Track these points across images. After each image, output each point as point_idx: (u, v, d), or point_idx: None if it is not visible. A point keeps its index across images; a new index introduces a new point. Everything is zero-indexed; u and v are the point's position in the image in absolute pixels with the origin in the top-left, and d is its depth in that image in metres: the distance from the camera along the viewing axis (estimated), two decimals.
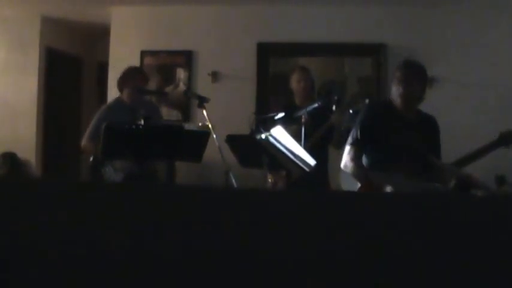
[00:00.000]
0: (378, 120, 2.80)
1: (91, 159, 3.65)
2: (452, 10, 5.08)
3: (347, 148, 2.84)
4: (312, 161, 2.88)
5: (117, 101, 3.82)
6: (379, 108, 2.96)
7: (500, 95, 4.92)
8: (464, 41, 5.06)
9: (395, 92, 2.75)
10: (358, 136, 2.78)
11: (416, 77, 2.75)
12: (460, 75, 5.03)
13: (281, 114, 3.66)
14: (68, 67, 6.48)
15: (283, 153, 2.84)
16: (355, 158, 2.78)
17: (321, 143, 3.57)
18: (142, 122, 3.36)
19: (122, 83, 3.78)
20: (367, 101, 3.61)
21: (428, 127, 2.82)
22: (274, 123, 3.39)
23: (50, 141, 5.96)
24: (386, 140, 2.74)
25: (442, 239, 0.88)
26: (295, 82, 3.95)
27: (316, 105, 3.62)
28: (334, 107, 3.69)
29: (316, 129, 3.64)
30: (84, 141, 3.68)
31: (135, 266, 0.88)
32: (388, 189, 2.67)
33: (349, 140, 2.84)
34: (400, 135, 2.74)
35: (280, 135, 2.84)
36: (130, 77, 3.77)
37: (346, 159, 2.83)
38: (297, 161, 2.87)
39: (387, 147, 2.74)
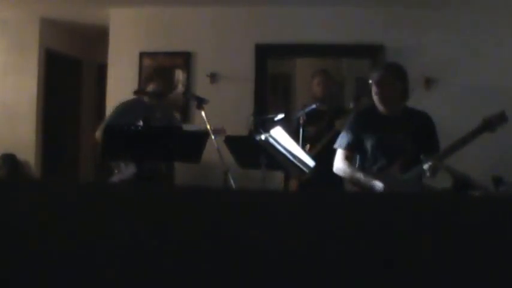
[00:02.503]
0: (361, 125, 2.84)
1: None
2: (450, 11, 5.08)
3: (338, 151, 2.89)
4: (311, 162, 2.89)
5: (137, 99, 3.84)
6: (364, 113, 2.99)
7: (499, 96, 4.92)
8: (462, 42, 5.06)
9: (373, 92, 2.78)
10: (345, 142, 2.85)
11: (390, 76, 2.75)
12: (457, 77, 5.03)
13: (280, 115, 3.68)
14: (67, 68, 6.47)
15: (282, 154, 2.84)
16: (345, 160, 2.84)
17: (329, 149, 3.58)
18: (141, 123, 3.39)
19: (145, 83, 3.85)
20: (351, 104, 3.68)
21: (418, 123, 2.80)
22: (273, 124, 3.40)
23: (49, 142, 5.96)
24: (370, 142, 2.78)
25: (439, 240, 0.88)
26: (315, 85, 4.03)
27: (314, 106, 3.65)
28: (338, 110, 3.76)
29: (319, 132, 3.70)
30: (97, 133, 3.72)
31: (135, 266, 0.88)
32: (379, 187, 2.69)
33: (337, 143, 2.90)
34: (382, 135, 2.76)
35: (280, 136, 2.85)
36: (154, 75, 3.83)
37: (337, 161, 2.88)
38: (296, 162, 2.87)
39: (371, 149, 2.77)
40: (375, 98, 2.75)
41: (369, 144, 2.79)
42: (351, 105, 4.03)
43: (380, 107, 2.77)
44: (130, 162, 3.49)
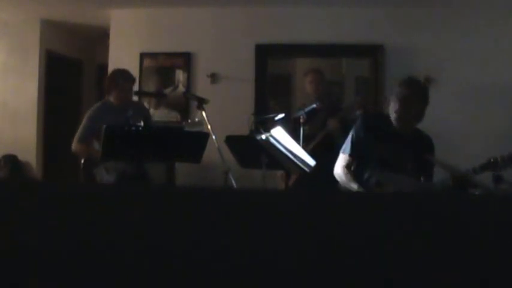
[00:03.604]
0: (369, 134, 2.78)
1: (82, 161, 3.68)
2: (450, 11, 5.07)
3: (340, 156, 2.86)
4: (311, 162, 2.89)
5: (105, 102, 3.82)
6: (373, 121, 2.93)
7: (498, 96, 4.93)
8: (461, 41, 5.05)
9: (392, 107, 2.72)
10: (349, 148, 2.80)
11: (416, 97, 2.69)
12: (457, 76, 5.02)
13: (281, 115, 3.68)
14: (68, 70, 6.47)
15: (283, 153, 2.84)
16: (346, 166, 2.80)
17: (322, 149, 3.58)
18: (141, 123, 3.38)
19: (109, 85, 3.79)
20: (358, 112, 3.66)
21: (421, 145, 2.76)
22: (274, 123, 3.41)
23: (50, 143, 5.96)
24: (375, 153, 2.74)
25: (439, 238, 0.88)
26: (308, 84, 4.05)
27: (314, 106, 3.66)
28: (332, 108, 3.76)
29: (314, 130, 3.70)
30: (74, 144, 3.70)
31: (135, 266, 0.88)
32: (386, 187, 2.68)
33: (342, 148, 2.86)
34: (387, 150, 2.72)
35: (281, 136, 2.85)
36: (117, 78, 3.77)
37: (337, 167, 2.85)
38: (297, 162, 2.87)
39: (372, 161, 2.73)
40: (394, 115, 2.70)
41: (371, 155, 2.75)
42: (344, 106, 4.03)
43: (395, 122, 2.72)
44: (121, 163, 3.46)
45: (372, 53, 5.21)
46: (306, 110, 3.65)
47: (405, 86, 2.71)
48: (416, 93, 2.70)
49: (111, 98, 3.77)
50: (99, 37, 6.00)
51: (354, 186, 2.71)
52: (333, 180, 3.66)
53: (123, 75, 3.82)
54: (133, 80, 3.89)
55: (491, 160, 2.52)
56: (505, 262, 0.86)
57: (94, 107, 3.83)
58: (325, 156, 3.07)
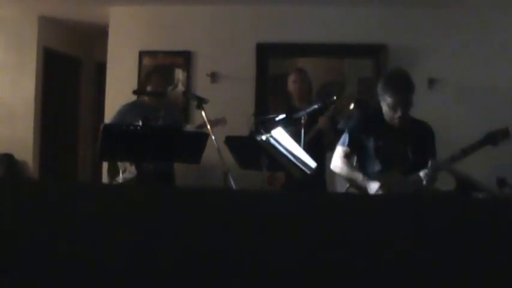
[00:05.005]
0: (365, 127, 2.84)
1: None
2: (452, 11, 5.07)
3: (337, 148, 2.90)
4: (312, 163, 2.86)
5: (139, 100, 3.88)
6: (370, 116, 2.99)
7: (500, 96, 4.91)
8: (465, 41, 5.05)
9: (389, 111, 2.71)
10: (348, 140, 2.85)
11: (412, 95, 2.71)
12: (460, 76, 5.02)
13: (281, 116, 3.64)
14: (66, 67, 6.46)
15: (283, 154, 2.81)
16: (344, 157, 2.84)
17: (311, 147, 3.52)
18: (140, 123, 3.35)
19: (144, 83, 3.88)
20: (351, 106, 3.67)
21: (420, 133, 2.79)
22: (274, 124, 3.37)
23: (47, 142, 5.94)
24: (371, 146, 2.77)
25: (443, 241, 0.88)
26: (291, 83, 4.01)
27: (316, 106, 3.61)
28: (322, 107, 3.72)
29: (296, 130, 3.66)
30: None
31: (135, 266, 0.88)
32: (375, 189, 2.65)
33: (340, 141, 2.89)
34: (384, 141, 2.75)
35: (281, 137, 2.83)
36: (151, 78, 3.88)
37: (336, 158, 2.89)
38: (297, 163, 2.84)
39: (371, 153, 2.77)
40: (391, 114, 2.71)
41: (369, 148, 2.79)
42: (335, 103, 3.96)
43: (398, 124, 2.74)
44: (130, 162, 3.48)
45: (375, 53, 5.19)
46: (308, 110, 3.60)
47: (401, 90, 2.70)
48: (411, 90, 2.72)
49: (145, 97, 3.85)
50: (98, 35, 5.97)
51: (358, 175, 2.74)
52: (322, 179, 3.67)
53: (156, 75, 3.96)
54: (164, 80, 4.06)
55: (488, 134, 2.59)
56: (508, 265, 0.86)
57: (127, 102, 3.90)
58: (315, 154, 3.07)
